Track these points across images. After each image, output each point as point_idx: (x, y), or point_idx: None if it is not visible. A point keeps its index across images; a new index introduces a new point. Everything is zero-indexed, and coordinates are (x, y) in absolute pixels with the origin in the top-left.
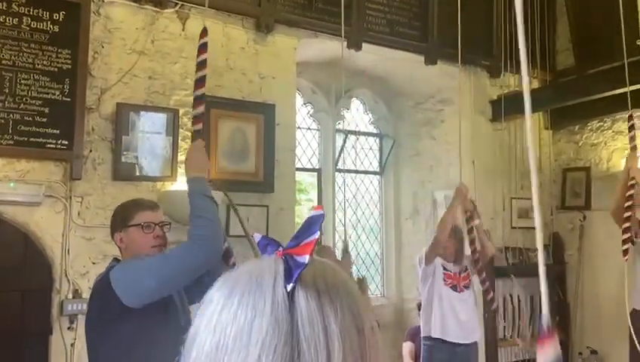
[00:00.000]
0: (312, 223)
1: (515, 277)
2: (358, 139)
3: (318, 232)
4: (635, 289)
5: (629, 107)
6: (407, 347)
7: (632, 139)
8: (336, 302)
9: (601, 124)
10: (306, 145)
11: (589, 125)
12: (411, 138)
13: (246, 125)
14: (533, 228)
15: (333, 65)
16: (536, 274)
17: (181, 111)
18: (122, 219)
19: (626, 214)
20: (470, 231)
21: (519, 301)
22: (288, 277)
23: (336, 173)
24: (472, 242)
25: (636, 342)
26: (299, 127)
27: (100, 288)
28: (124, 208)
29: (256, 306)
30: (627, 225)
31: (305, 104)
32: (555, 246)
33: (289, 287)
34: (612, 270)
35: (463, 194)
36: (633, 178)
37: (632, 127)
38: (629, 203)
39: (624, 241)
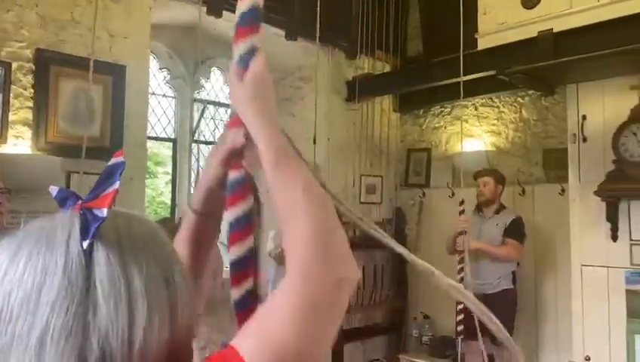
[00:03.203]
0: (112, 172)
1: (360, 249)
2: (217, 110)
3: (118, 182)
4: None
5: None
6: None
7: (462, 212)
8: (142, 255)
9: (442, 109)
10: (161, 113)
11: (431, 110)
12: None
13: (92, 86)
14: (379, 203)
15: (192, 30)
16: (379, 246)
17: (14, 65)
18: None
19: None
20: None
21: (364, 271)
22: (84, 232)
23: (194, 144)
24: None
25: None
26: (153, 93)
27: None
28: None
29: (46, 267)
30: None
31: (161, 69)
32: (398, 220)
33: (85, 243)
34: (443, 241)
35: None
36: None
37: (462, 203)
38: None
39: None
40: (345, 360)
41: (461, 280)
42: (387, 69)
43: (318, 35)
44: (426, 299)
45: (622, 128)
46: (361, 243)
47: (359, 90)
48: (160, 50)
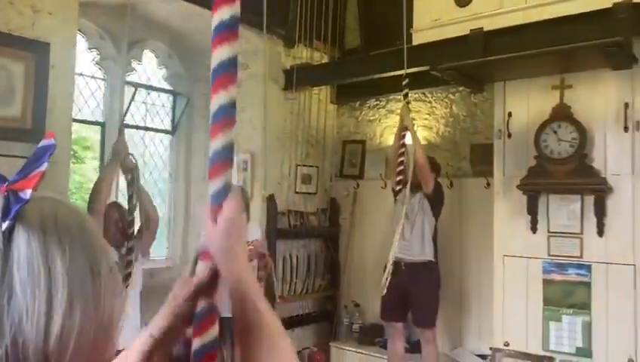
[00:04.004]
0: (41, 154)
1: (295, 238)
2: (149, 94)
3: (46, 163)
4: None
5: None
6: None
7: (406, 96)
8: (67, 242)
9: (377, 102)
10: (89, 94)
11: (367, 103)
12: (206, 98)
13: (12, 63)
14: (314, 193)
15: (124, 10)
16: (313, 236)
17: None
18: None
19: (400, 159)
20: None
21: (298, 260)
22: (5, 214)
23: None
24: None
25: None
26: (80, 74)
27: None
28: None
29: None
30: (400, 168)
31: (90, 49)
32: (332, 210)
33: (4, 225)
34: (376, 232)
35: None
36: (405, 126)
37: (406, 85)
38: (402, 151)
39: (397, 182)
40: None
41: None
42: (325, 59)
43: (264, 22)
44: (358, 288)
45: (543, 126)
46: (295, 232)
47: (297, 79)
48: (89, 29)
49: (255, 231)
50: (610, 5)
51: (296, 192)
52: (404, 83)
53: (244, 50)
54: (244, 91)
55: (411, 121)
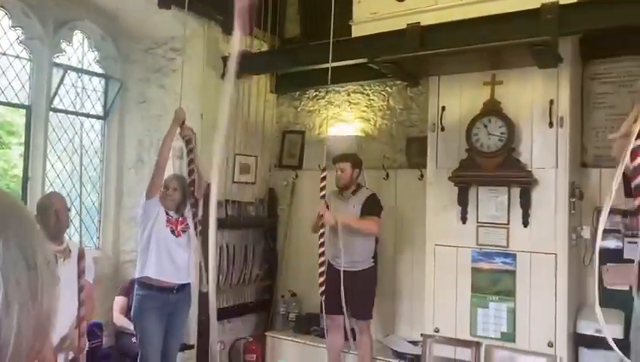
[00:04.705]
0: None
1: (232, 228)
2: (80, 77)
3: None
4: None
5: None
6: (119, 302)
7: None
8: (1, 234)
9: (317, 93)
10: (13, 76)
11: (307, 93)
12: (140, 84)
13: None
14: (252, 183)
15: None
16: (250, 226)
17: None
18: None
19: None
20: (190, 162)
21: (235, 251)
22: None
23: (51, 113)
24: (190, 172)
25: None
26: (4, 54)
27: None
28: None
29: None
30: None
31: (14, 27)
32: (270, 200)
33: None
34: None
35: (181, 118)
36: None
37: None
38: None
39: None
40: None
41: (321, 255)
42: (265, 48)
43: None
44: (294, 278)
45: (475, 120)
46: (232, 222)
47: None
48: (12, 5)
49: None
50: (538, 6)
51: (234, 182)
52: (321, 192)
53: (179, 34)
54: (179, 76)
55: None
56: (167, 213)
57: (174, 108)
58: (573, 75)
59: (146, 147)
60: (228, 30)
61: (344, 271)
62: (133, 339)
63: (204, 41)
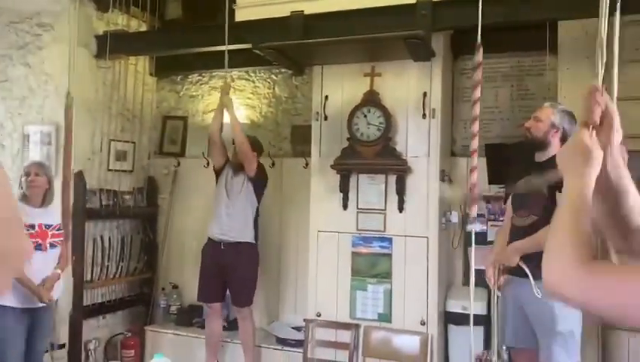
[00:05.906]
0: None
1: (107, 219)
2: None
3: None
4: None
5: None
6: None
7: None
8: None
9: (200, 78)
10: None
11: (189, 77)
12: (1, 61)
13: None
14: (130, 171)
15: None
16: (128, 216)
17: None
18: None
19: None
20: None
21: (110, 242)
22: None
23: None
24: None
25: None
26: None
27: None
28: None
29: None
30: None
31: None
32: (150, 189)
33: None
34: (197, 212)
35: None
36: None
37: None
38: None
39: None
40: (85, 336)
41: None
42: (143, 28)
43: None
44: (176, 270)
45: (355, 110)
46: (107, 213)
47: (111, 47)
48: None
49: (56, 213)
50: (414, 2)
51: (109, 169)
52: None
53: (47, 8)
54: (46, 55)
55: (231, 101)
56: None
57: (42, 90)
58: (445, 70)
59: (8, 132)
60: (103, 7)
61: (224, 243)
62: None
63: (76, 17)
